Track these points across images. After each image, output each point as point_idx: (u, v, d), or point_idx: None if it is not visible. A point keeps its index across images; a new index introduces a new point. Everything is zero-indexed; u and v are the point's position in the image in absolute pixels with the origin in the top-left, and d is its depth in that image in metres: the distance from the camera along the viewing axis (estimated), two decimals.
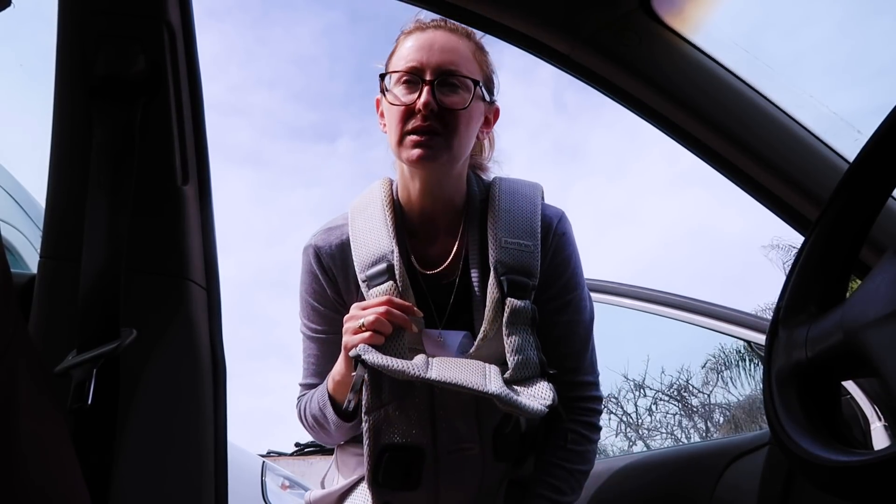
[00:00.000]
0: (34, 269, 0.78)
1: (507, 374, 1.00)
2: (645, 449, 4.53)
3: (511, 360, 1.01)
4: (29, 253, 2.14)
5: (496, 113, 1.15)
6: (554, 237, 1.10)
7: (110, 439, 0.68)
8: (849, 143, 0.91)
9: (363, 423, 0.98)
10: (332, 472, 1.18)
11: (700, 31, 0.94)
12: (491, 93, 1.12)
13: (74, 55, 0.76)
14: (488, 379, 0.96)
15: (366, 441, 0.97)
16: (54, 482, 0.41)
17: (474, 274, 1.08)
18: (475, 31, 1.10)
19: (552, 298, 1.10)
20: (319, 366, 1.14)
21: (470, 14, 0.95)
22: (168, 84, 0.77)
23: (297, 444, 5.65)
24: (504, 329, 1.02)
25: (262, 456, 3.10)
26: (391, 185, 1.14)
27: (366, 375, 0.96)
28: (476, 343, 1.04)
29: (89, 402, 0.65)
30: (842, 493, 0.49)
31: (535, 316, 1.04)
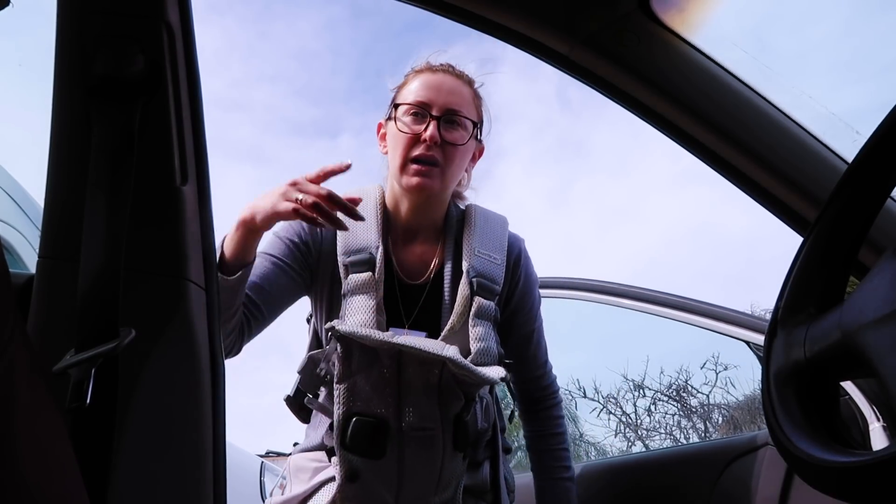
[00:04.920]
0: (33, 268, 0.78)
1: (469, 359, 1.11)
2: (644, 449, 4.53)
3: (474, 346, 1.13)
4: (27, 253, 2.14)
5: (481, 151, 1.31)
6: (523, 258, 1.28)
7: (108, 439, 0.67)
8: (847, 143, 0.91)
9: (335, 391, 1.07)
10: (287, 481, 1.24)
11: (700, 32, 0.94)
12: (482, 134, 1.28)
13: (73, 55, 0.76)
14: (446, 350, 1.06)
15: (336, 407, 1.07)
16: (52, 481, 0.41)
17: (447, 280, 1.20)
18: (474, 79, 1.28)
19: (526, 310, 1.28)
20: (261, 283, 1.17)
21: (469, 14, 0.95)
22: (167, 84, 0.77)
23: (296, 444, 5.63)
24: (470, 321, 1.15)
25: (261, 456, 3.10)
26: (383, 193, 1.28)
27: (338, 347, 1.06)
28: (443, 333, 1.15)
29: (87, 401, 0.65)
30: (840, 494, 0.49)
31: (497, 316, 1.20)
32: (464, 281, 1.17)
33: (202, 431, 0.74)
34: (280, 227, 1.23)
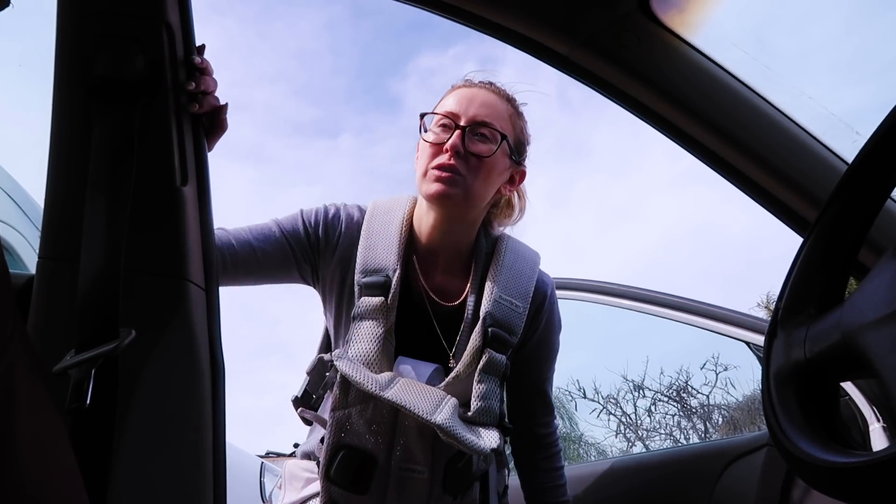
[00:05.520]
0: (33, 269, 0.78)
1: (468, 414, 1.08)
2: (644, 450, 4.53)
3: (475, 403, 1.08)
4: (27, 253, 2.14)
5: (522, 175, 1.23)
6: (547, 304, 1.23)
7: (108, 439, 0.67)
8: (847, 144, 0.91)
9: (328, 418, 1.04)
10: (281, 487, 1.23)
11: (700, 32, 0.94)
12: (520, 155, 1.21)
13: (73, 56, 0.76)
14: (439, 410, 1.01)
15: (327, 436, 1.04)
16: (52, 481, 0.41)
17: (467, 317, 1.15)
18: (517, 97, 1.21)
19: (542, 357, 1.26)
20: (245, 233, 1.14)
21: (469, 15, 0.95)
22: (167, 85, 0.77)
23: (295, 445, 5.62)
24: (476, 375, 1.10)
25: (261, 457, 3.10)
26: (414, 205, 1.22)
27: (338, 377, 1.03)
28: (447, 380, 1.10)
29: (87, 402, 0.65)
30: (840, 494, 0.49)
31: (507, 371, 1.14)
32: (478, 329, 1.12)
33: (202, 432, 0.74)
34: (306, 208, 1.21)
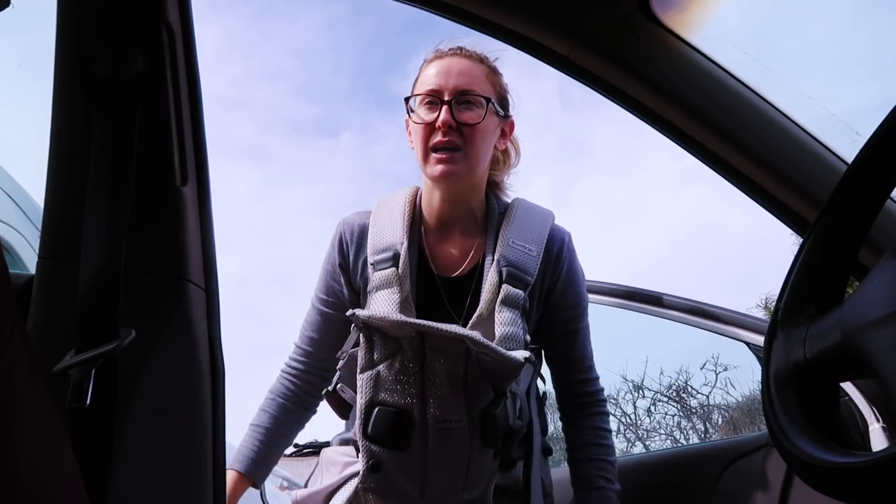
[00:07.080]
0: (33, 269, 0.78)
1: (494, 343, 1.07)
2: (644, 450, 4.52)
3: (499, 331, 1.12)
4: (27, 253, 2.14)
5: (511, 125, 1.28)
6: (566, 251, 1.24)
7: (108, 439, 0.67)
8: (847, 143, 0.91)
9: (358, 381, 1.06)
10: (317, 472, 1.24)
11: (700, 32, 0.94)
12: (505, 109, 1.25)
13: (73, 56, 0.76)
14: (467, 331, 1.03)
15: (359, 398, 1.06)
16: (52, 482, 0.41)
17: (485, 276, 1.19)
18: (488, 55, 1.24)
19: (570, 306, 1.25)
20: (308, 332, 1.30)
21: (469, 14, 0.95)
22: (167, 85, 0.77)
23: (295, 445, 5.60)
24: (497, 307, 1.14)
25: None
26: (417, 192, 1.29)
27: (361, 336, 1.06)
28: (471, 321, 1.14)
29: (87, 402, 0.65)
30: (840, 495, 0.49)
31: (527, 305, 1.17)
32: (493, 269, 1.17)
33: (202, 432, 0.74)
34: (323, 263, 1.29)
